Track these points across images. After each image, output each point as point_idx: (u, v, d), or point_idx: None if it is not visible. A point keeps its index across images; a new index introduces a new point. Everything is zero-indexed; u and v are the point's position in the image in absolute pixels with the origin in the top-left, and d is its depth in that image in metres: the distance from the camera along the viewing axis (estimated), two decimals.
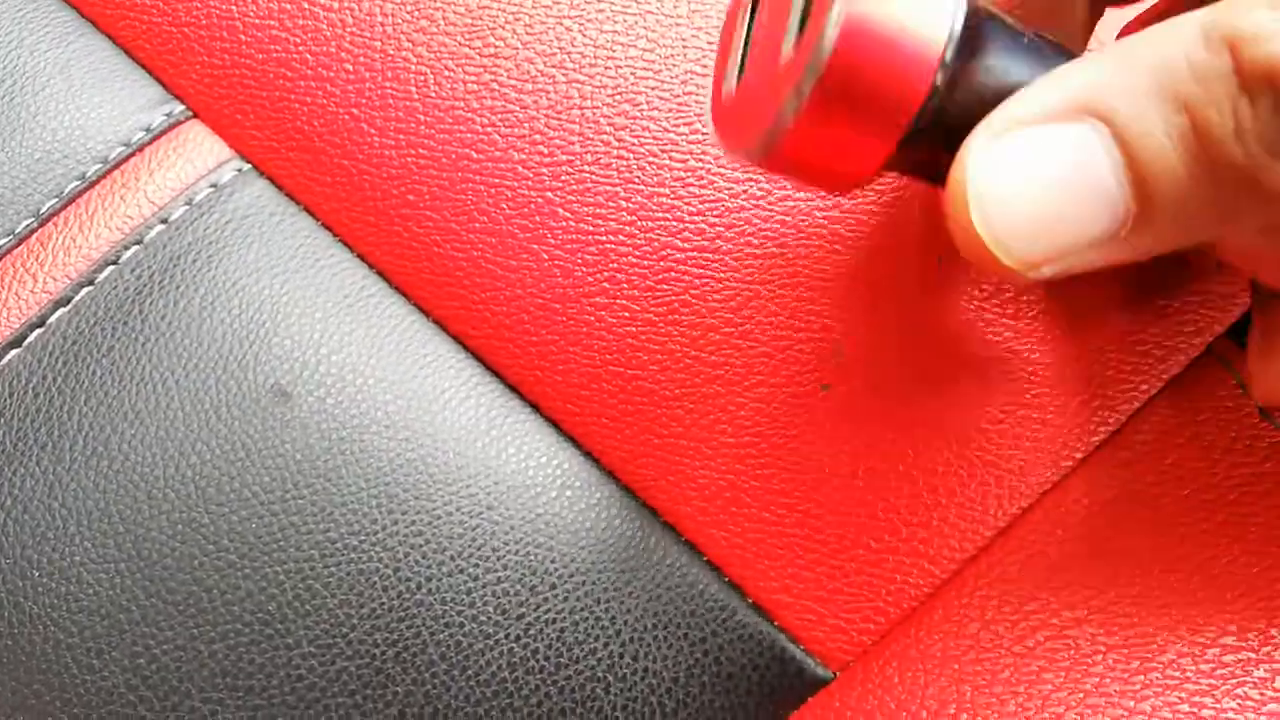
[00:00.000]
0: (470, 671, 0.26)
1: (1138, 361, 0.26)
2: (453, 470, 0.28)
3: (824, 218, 0.28)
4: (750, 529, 0.27)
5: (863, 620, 0.26)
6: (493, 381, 0.29)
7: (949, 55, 0.19)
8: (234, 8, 0.33)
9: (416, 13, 0.32)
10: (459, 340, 0.30)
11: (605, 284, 0.29)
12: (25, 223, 0.32)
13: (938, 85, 0.19)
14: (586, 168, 0.29)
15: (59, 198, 0.32)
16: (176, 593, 0.27)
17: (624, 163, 0.29)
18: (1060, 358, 0.26)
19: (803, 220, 0.28)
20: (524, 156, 0.30)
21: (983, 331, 0.27)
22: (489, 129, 0.30)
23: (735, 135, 0.22)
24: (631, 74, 0.30)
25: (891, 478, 0.26)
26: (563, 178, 0.29)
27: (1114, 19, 0.26)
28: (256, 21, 0.33)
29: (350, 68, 0.32)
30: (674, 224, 0.29)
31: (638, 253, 0.29)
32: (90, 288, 0.31)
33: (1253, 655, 0.23)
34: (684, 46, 0.30)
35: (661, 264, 0.28)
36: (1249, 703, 0.23)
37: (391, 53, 0.31)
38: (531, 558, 0.27)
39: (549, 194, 0.29)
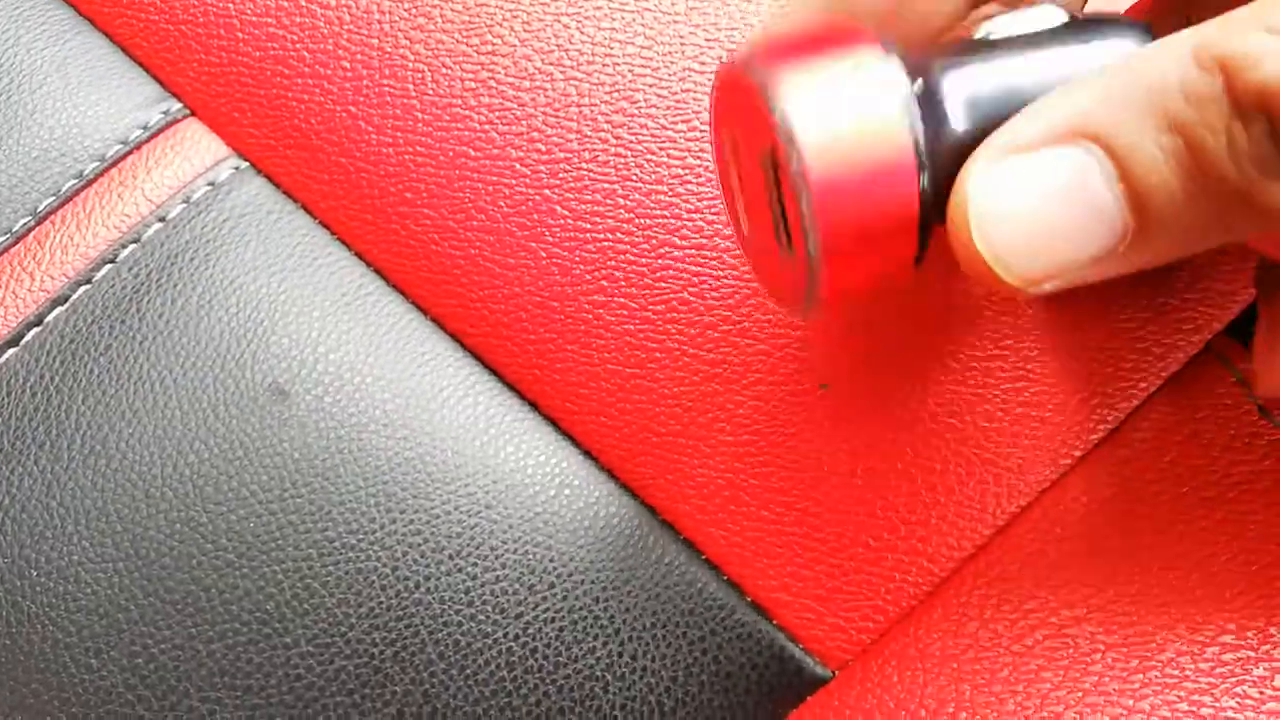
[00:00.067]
0: (469, 670, 0.26)
1: (1137, 359, 0.26)
2: (451, 469, 0.28)
3: None
4: (749, 527, 0.27)
5: (862, 619, 0.26)
6: (491, 380, 0.29)
7: (923, 156, 0.19)
8: (231, 5, 0.33)
9: (414, 10, 0.32)
10: (457, 338, 0.29)
11: (603, 282, 0.29)
12: (22, 221, 0.32)
13: (924, 188, 0.20)
14: (584, 165, 0.29)
15: (56, 196, 0.32)
16: (175, 592, 0.27)
17: (622, 160, 0.29)
18: (1059, 356, 0.26)
19: None
20: (522, 154, 0.30)
21: (981, 330, 0.27)
22: (486, 126, 0.30)
23: (773, 290, 0.23)
24: (629, 71, 0.30)
25: (890, 476, 0.26)
26: (560, 175, 0.29)
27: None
28: (254, 19, 0.33)
29: (347, 65, 0.32)
30: (672, 221, 0.29)
31: (636, 250, 0.29)
32: (88, 286, 0.31)
33: (1252, 654, 0.23)
34: (681, 44, 0.30)
35: (660, 262, 0.28)
36: (1248, 701, 0.23)
37: (389, 50, 0.31)
38: (530, 556, 0.27)
39: (547, 191, 0.29)
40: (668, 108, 0.30)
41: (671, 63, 0.30)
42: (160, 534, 0.28)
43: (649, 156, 0.29)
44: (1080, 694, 0.24)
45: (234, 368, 0.29)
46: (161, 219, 0.31)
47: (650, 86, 0.30)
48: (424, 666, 0.27)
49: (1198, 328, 0.26)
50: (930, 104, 0.20)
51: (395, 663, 0.27)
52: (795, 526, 0.27)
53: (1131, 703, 0.23)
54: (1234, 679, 0.23)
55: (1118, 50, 0.20)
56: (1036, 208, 0.19)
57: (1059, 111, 0.19)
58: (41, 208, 0.32)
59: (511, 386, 0.29)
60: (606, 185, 0.29)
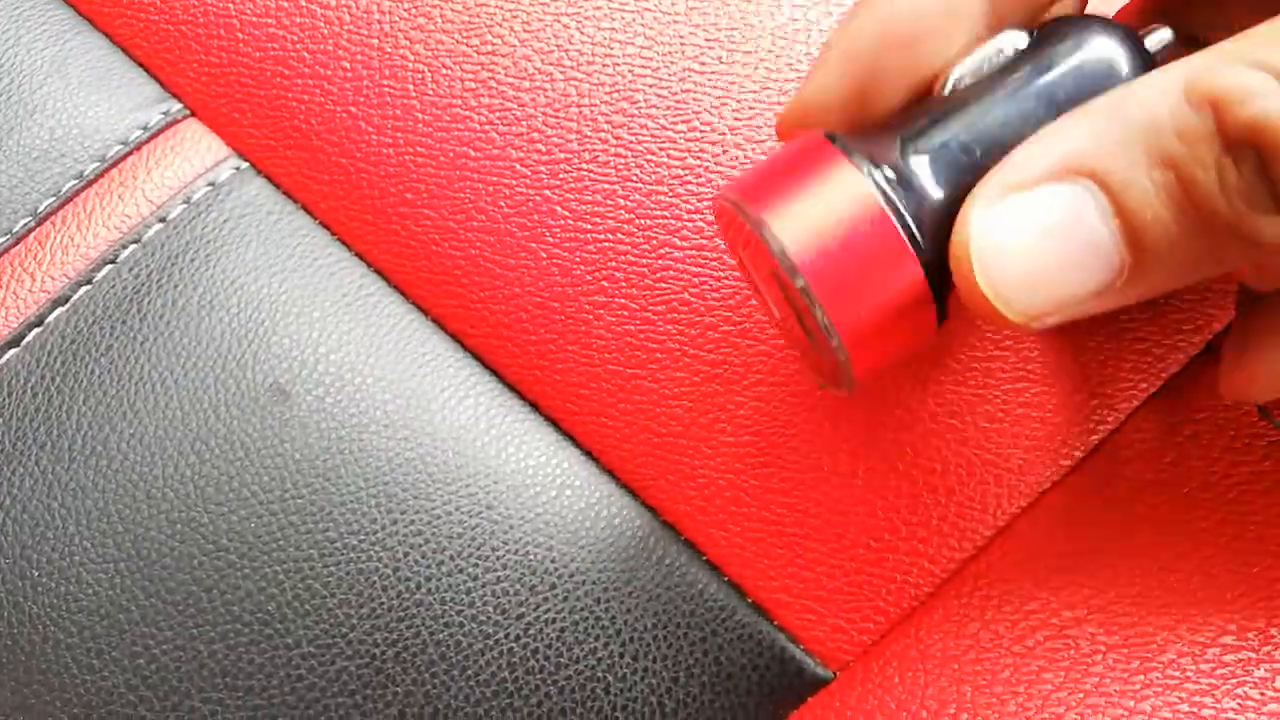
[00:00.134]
0: (470, 671, 0.26)
1: (1137, 360, 0.26)
2: (452, 469, 0.28)
3: None
4: (750, 528, 0.27)
5: (862, 620, 0.26)
6: (491, 380, 0.29)
7: (916, 238, 0.20)
8: (231, 5, 0.33)
9: (414, 10, 0.32)
10: (457, 339, 0.29)
11: (604, 282, 0.29)
12: (23, 222, 0.32)
13: (927, 264, 0.20)
14: (584, 165, 0.29)
15: (56, 196, 0.32)
16: (176, 592, 0.27)
17: (622, 160, 0.29)
18: (1059, 356, 0.26)
19: None
20: (522, 154, 0.30)
21: (981, 331, 0.27)
22: (487, 127, 0.30)
23: (814, 370, 0.25)
24: (629, 71, 0.30)
25: (891, 477, 0.26)
26: (561, 176, 0.29)
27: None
28: (254, 19, 0.33)
29: (347, 65, 0.31)
30: (672, 222, 0.29)
31: (636, 251, 0.29)
32: (88, 287, 0.31)
33: (1253, 655, 0.23)
34: (682, 44, 0.30)
35: (660, 262, 0.28)
36: (1249, 702, 0.23)
37: (389, 50, 0.31)
38: (531, 557, 0.27)
39: (547, 192, 0.29)
40: (668, 108, 0.29)
41: (671, 63, 0.30)
42: (161, 534, 0.28)
43: (649, 157, 0.29)
44: (1081, 695, 0.24)
45: (235, 368, 0.29)
46: (162, 219, 0.31)
47: (650, 87, 0.30)
48: (425, 667, 0.27)
49: (1198, 328, 0.26)
50: (909, 185, 0.21)
51: (396, 663, 0.27)
52: (796, 527, 0.27)
53: (1133, 703, 0.23)
54: (1235, 680, 0.23)
55: (1081, 65, 0.21)
56: (1035, 245, 0.19)
57: (1054, 150, 0.19)
58: (42, 208, 0.32)
59: (512, 387, 0.29)
60: (607, 186, 0.29)
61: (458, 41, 0.31)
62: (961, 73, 0.21)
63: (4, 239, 0.31)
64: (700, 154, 0.29)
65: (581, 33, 0.31)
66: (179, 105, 0.33)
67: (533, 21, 0.31)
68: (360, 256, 0.31)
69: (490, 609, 0.27)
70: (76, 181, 0.32)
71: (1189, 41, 0.23)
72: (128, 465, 0.28)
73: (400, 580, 0.27)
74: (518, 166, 0.30)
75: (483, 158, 0.30)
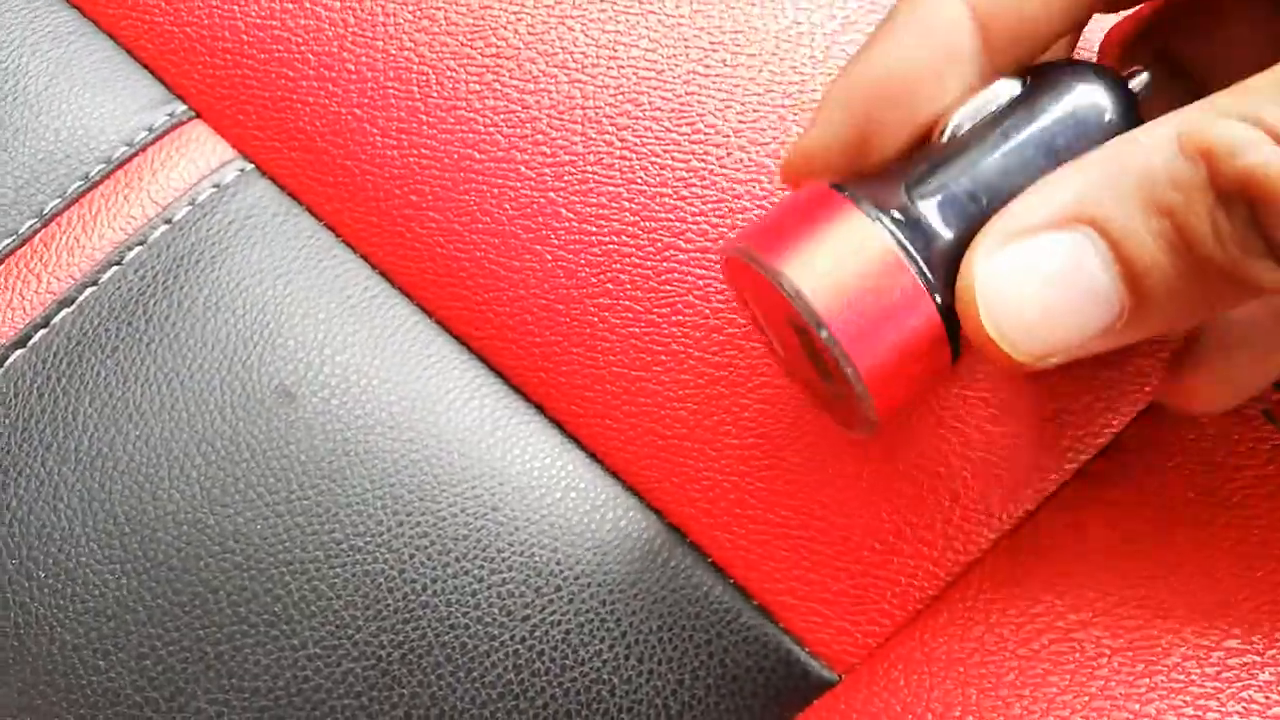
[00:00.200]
0: (475, 673, 0.27)
1: (1142, 363, 0.26)
2: (457, 471, 0.28)
3: None
4: (755, 531, 0.27)
5: (868, 623, 0.26)
6: (496, 382, 0.29)
7: (929, 279, 0.21)
8: (236, 8, 0.33)
9: (419, 13, 0.32)
10: (462, 341, 0.30)
11: (609, 285, 0.29)
12: (29, 223, 0.32)
13: (940, 304, 0.21)
14: (589, 168, 0.29)
15: (62, 198, 0.32)
16: (182, 594, 0.27)
17: (627, 163, 0.29)
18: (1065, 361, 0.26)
19: None
20: (527, 157, 0.30)
21: None
22: (491, 129, 0.30)
23: (828, 412, 0.25)
24: (634, 74, 0.30)
25: (896, 480, 0.26)
26: (565, 178, 0.29)
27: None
28: (259, 21, 0.33)
29: (352, 68, 0.32)
30: (677, 224, 0.29)
31: (641, 253, 0.29)
32: (94, 288, 0.31)
33: (1258, 658, 0.23)
34: (686, 46, 0.30)
35: (665, 265, 0.28)
36: (1254, 706, 0.23)
37: (394, 53, 0.31)
38: (536, 559, 0.27)
39: (552, 194, 0.29)
40: (672, 111, 0.30)
41: (676, 66, 0.30)
42: (167, 535, 0.28)
43: (654, 159, 0.29)
44: (1086, 698, 0.24)
45: (240, 370, 0.29)
46: (167, 221, 0.31)
47: (654, 90, 0.30)
48: (431, 669, 0.27)
49: None
50: (918, 230, 0.21)
51: (402, 665, 0.27)
52: (801, 530, 0.27)
53: (1137, 707, 0.23)
54: (1239, 684, 0.23)
55: (1074, 112, 0.22)
56: (1038, 291, 0.20)
57: (1054, 199, 0.20)
58: (48, 210, 0.32)
59: (517, 389, 0.29)
60: (611, 188, 0.29)
61: (462, 44, 0.31)
62: (960, 120, 0.22)
63: (10, 240, 0.31)
64: (704, 156, 0.29)
65: (586, 35, 0.31)
66: (184, 107, 0.33)
67: (537, 24, 0.31)
68: (365, 258, 0.31)
69: (495, 611, 0.27)
70: (82, 183, 0.32)
71: (1176, 73, 0.24)
72: (133, 467, 0.28)
73: (406, 582, 0.27)
74: (523, 169, 0.30)
75: (488, 160, 0.30)
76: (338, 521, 0.28)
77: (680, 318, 0.28)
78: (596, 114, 0.30)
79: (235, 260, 0.31)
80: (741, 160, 0.29)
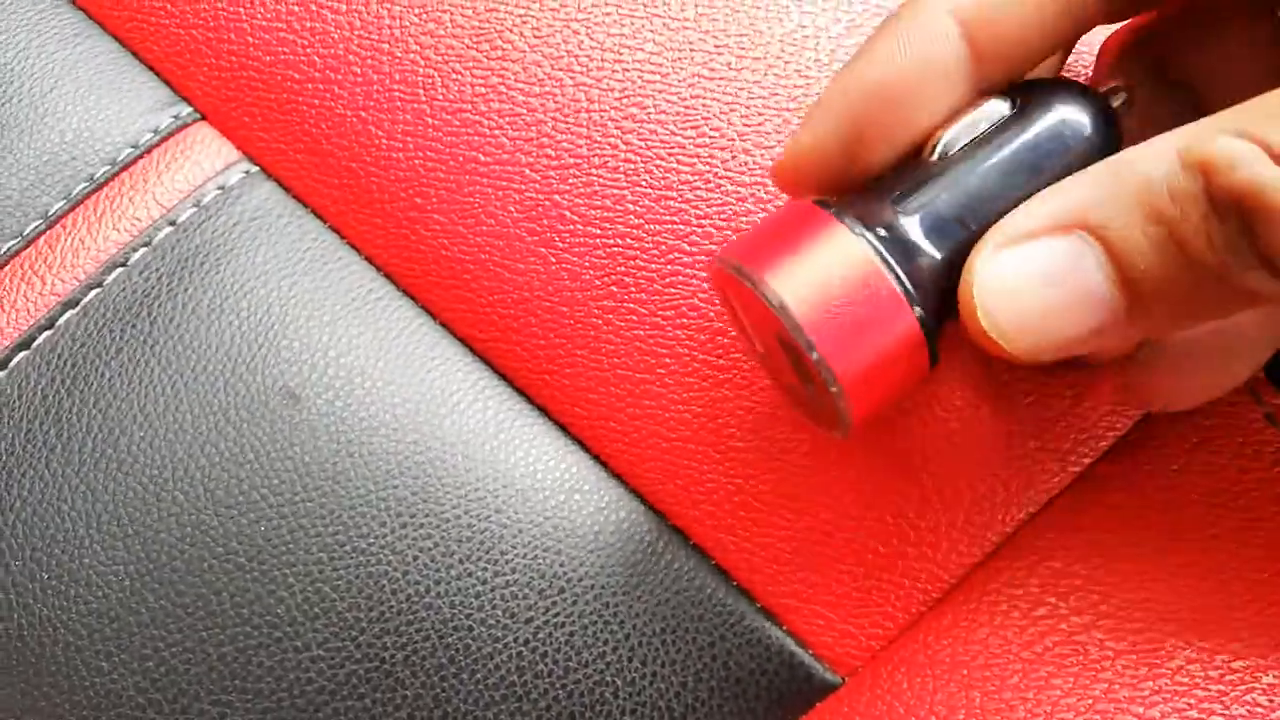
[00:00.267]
0: (479, 675, 0.27)
1: None
2: (461, 473, 0.28)
3: None
4: (758, 533, 0.27)
5: (871, 625, 0.26)
6: (500, 384, 0.29)
7: (910, 292, 0.22)
8: (242, 10, 0.33)
9: (424, 15, 0.32)
10: (466, 343, 0.30)
11: (613, 287, 0.29)
12: (33, 225, 0.32)
13: (921, 315, 0.22)
14: (594, 171, 0.29)
15: (67, 200, 0.32)
16: (185, 595, 0.27)
17: (631, 166, 0.29)
18: (1068, 363, 0.26)
19: None
20: (532, 159, 0.30)
21: None
22: (496, 132, 0.30)
23: (805, 412, 0.26)
24: (639, 77, 0.30)
25: (900, 482, 0.26)
26: (570, 180, 0.29)
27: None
28: (264, 24, 0.33)
29: (358, 70, 0.32)
30: (681, 227, 0.29)
31: (645, 256, 0.29)
32: (99, 290, 0.31)
33: (1261, 661, 0.23)
34: (691, 50, 0.30)
35: (669, 267, 0.28)
36: (1258, 709, 0.23)
37: (399, 55, 0.31)
38: (540, 561, 0.27)
39: (557, 197, 0.29)
40: (677, 113, 0.30)
41: (680, 69, 0.30)
42: (171, 537, 0.28)
43: (658, 162, 0.29)
44: (1090, 701, 0.24)
45: (245, 372, 0.29)
46: (172, 223, 0.31)
47: (660, 92, 0.30)
48: (434, 670, 0.27)
49: None
50: (900, 243, 0.22)
51: (405, 667, 0.27)
52: (805, 532, 0.27)
53: (1141, 710, 0.23)
54: (1244, 687, 0.23)
55: (1060, 134, 0.23)
56: (1036, 291, 0.21)
57: (1056, 205, 0.21)
58: (52, 211, 0.32)
59: (521, 391, 0.29)
60: (616, 190, 0.29)
61: (468, 46, 0.31)
62: (950, 138, 0.23)
63: (15, 242, 0.31)
64: (709, 159, 0.29)
65: (591, 38, 0.31)
66: (189, 109, 0.33)
67: (543, 27, 0.31)
68: (370, 260, 0.31)
69: (499, 613, 0.27)
70: (87, 185, 0.32)
71: (1175, 87, 0.25)
72: (138, 468, 0.28)
73: (409, 584, 0.27)
74: (527, 171, 0.30)
75: (492, 162, 0.30)
76: (341, 523, 0.28)
77: (685, 321, 0.28)
78: (601, 117, 0.30)
79: (240, 262, 0.31)
80: (746, 163, 0.29)
